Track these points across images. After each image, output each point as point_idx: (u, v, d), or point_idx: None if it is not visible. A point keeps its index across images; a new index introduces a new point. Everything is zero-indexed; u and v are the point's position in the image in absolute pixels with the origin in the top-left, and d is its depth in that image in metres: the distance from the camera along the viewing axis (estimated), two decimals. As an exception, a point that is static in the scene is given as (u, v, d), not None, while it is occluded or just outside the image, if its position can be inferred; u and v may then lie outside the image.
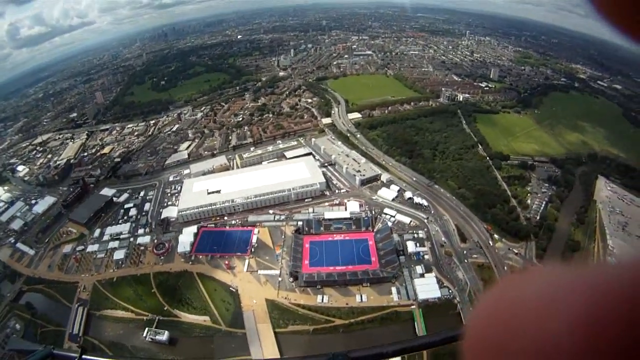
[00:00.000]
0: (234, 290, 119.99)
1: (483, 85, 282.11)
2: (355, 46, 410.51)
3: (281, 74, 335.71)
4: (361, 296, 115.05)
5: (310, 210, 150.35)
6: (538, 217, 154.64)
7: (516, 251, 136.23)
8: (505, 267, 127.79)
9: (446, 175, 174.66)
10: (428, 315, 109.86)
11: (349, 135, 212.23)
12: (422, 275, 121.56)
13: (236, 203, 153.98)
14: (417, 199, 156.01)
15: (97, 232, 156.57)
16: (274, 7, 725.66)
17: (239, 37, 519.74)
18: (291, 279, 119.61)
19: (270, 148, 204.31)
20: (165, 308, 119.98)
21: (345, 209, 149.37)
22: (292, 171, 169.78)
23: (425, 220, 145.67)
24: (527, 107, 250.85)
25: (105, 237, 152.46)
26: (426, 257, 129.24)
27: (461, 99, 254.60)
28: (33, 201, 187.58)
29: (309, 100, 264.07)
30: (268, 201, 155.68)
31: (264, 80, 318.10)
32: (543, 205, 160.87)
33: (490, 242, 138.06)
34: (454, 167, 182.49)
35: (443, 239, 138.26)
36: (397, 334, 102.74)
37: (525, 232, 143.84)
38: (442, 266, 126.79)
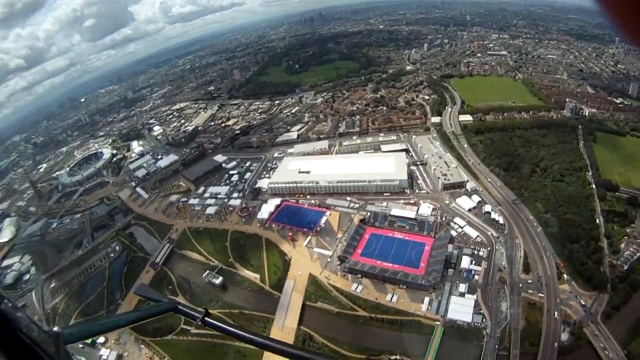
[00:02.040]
0: (287, 259, 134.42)
1: (617, 102, 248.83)
2: (491, 45, 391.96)
3: (408, 67, 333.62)
4: (393, 296, 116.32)
5: (385, 204, 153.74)
6: (625, 267, 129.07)
7: (583, 301, 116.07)
8: (557, 314, 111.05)
9: (537, 196, 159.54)
10: (450, 336, 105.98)
11: (452, 137, 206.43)
12: (462, 295, 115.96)
13: (319, 185, 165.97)
14: (494, 215, 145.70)
15: (201, 190, 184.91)
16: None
17: (380, 26, 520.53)
18: (338, 262, 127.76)
19: (369, 139, 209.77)
20: (230, 260, 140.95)
21: (417, 210, 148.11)
22: (379, 164, 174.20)
23: (494, 239, 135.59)
24: None
25: (206, 195, 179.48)
26: (476, 277, 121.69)
27: (586, 114, 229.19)
28: (159, 157, 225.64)
29: (426, 97, 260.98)
30: (348, 188, 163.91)
31: (390, 72, 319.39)
32: (638, 255, 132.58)
33: (556, 282, 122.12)
34: (549, 188, 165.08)
35: (504, 263, 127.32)
36: (407, 344, 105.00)
37: (601, 280, 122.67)
38: (488, 291, 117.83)
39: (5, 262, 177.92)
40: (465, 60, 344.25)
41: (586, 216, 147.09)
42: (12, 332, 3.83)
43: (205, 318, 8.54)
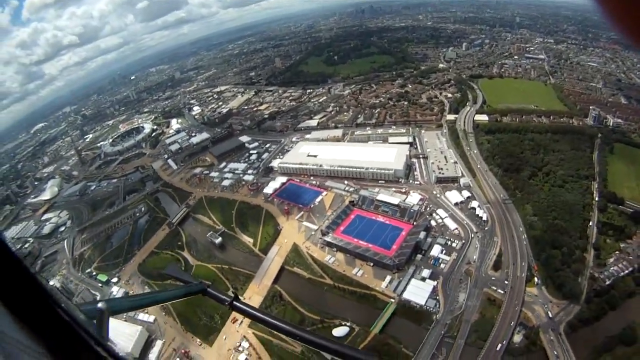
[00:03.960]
0: (278, 229, 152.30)
1: None
2: (532, 48, 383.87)
3: (441, 65, 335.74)
4: (359, 271, 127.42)
5: (376, 190, 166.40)
6: (608, 282, 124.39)
7: (548, 308, 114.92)
8: (516, 315, 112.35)
9: (529, 198, 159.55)
10: (401, 314, 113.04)
11: (462, 134, 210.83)
12: (423, 279, 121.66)
13: (322, 168, 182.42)
14: (479, 211, 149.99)
15: (222, 165, 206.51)
16: None
17: (428, 23, 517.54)
18: (320, 236, 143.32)
19: (380, 131, 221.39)
20: (232, 225, 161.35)
21: (405, 198, 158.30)
22: (381, 154, 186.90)
23: (472, 234, 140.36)
24: None
25: (226, 170, 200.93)
26: (443, 265, 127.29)
27: (611, 124, 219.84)
28: (193, 134, 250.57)
29: (449, 95, 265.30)
30: (347, 173, 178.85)
31: (421, 69, 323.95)
32: (625, 272, 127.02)
33: (523, 283, 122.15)
34: (545, 192, 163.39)
35: (475, 257, 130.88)
36: (360, 314, 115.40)
37: (573, 290, 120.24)
38: (450, 281, 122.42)
39: (45, 216, 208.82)
40: (499, 62, 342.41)
41: (577, 225, 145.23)
42: (50, 306, 3.68)
43: (234, 302, 8.74)
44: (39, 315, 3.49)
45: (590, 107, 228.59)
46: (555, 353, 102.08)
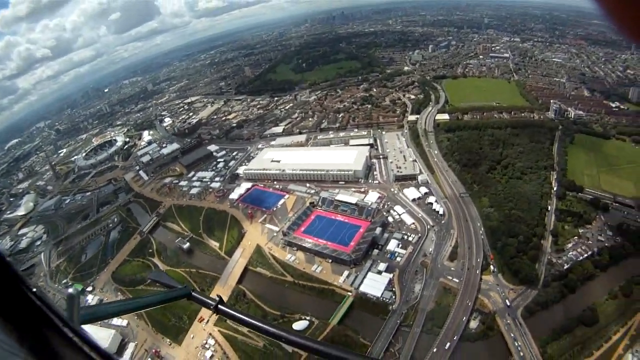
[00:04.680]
0: (243, 232, 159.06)
1: (613, 105, 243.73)
2: (497, 47, 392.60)
3: (406, 68, 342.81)
4: (318, 267, 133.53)
5: (337, 191, 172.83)
6: (566, 267, 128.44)
7: (505, 294, 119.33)
8: (471, 301, 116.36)
9: (486, 191, 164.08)
10: (358, 306, 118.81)
11: (422, 134, 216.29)
12: (379, 273, 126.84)
13: (285, 173, 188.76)
14: (436, 206, 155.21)
15: (191, 174, 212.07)
16: (452, 0, 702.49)
17: (397, 27, 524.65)
18: (281, 237, 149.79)
19: (342, 134, 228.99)
20: (200, 231, 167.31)
21: (364, 198, 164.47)
22: (341, 156, 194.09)
23: (428, 228, 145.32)
24: None
25: (194, 178, 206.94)
26: (399, 259, 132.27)
27: (572, 116, 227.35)
28: (164, 145, 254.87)
29: (412, 97, 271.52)
30: (308, 176, 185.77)
31: (387, 73, 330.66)
32: (584, 256, 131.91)
33: (478, 272, 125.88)
34: (502, 184, 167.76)
35: (431, 249, 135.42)
36: (319, 308, 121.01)
37: (529, 276, 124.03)
38: (406, 273, 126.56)
39: (22, 231, 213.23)
40: (464, 62, 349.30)
41: (534, 214, 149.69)
42: (21, 291, 3.70)
43: (219, 306, 8.75)
44: (9, 299, 3.58)
45: (552, 101, 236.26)
46: (513, 336, 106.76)
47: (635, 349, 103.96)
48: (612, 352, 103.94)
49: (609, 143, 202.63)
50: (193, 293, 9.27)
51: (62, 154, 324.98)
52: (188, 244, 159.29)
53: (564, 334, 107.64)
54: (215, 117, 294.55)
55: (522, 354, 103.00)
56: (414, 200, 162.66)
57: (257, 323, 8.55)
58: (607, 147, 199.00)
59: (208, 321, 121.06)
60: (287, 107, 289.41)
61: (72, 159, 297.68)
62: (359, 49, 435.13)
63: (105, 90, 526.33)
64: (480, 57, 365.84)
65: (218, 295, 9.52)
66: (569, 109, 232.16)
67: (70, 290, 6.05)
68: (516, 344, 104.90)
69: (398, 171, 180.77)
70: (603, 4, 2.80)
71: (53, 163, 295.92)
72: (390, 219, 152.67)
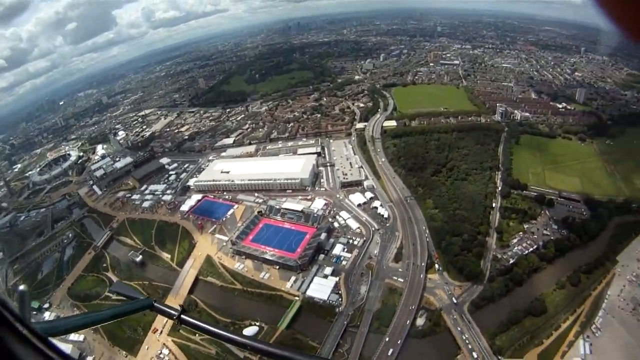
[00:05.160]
0: (193, 243, 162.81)
1: (560, 106, 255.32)
2: (448, 55, 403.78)
3: (357, 77, 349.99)
4: (266, 274, 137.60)
5: (284, 199, 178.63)
6: (511, 262, 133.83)
7: (450, 291, 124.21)
8: (417, 300, 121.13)
9: (431, 193, 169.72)
10: (306, 309, 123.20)
11: (370, 141, 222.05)
12: (325, 276, 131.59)
13: (234, 183, 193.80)
14: (381, 210, 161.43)
15: (144, 187, 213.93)
16: (406, 9, 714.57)
17: (351, 37, 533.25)
18: (230, 246, 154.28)
19: (290, 144, 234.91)
20: (152, 243, 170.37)
21: (310, 205, 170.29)
22: (288, 165, 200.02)
23: (373, 231, 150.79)
24: (599, 136, 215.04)
25: (146, 191, 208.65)
26: (344, 262, 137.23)
27: (518, 118, 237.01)
28: (117, 159, 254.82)
29: (361, 105, 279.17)
30: (257, 186, 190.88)
31: (338, 82, 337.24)
32: (530, 250, 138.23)
33: (423, 271, 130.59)
34: (447, 186, 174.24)
35: (376, 252, 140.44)
36: (268, 314, 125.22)
37: (473, 272, 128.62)
38: (352, 275, 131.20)
39: None
40: (414, 70, 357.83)
41: (479, 212, 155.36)
42: None
43: (182, 316, 8.59)
44: None
45: (498, 105, 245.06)
46: (460, 330, 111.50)
47: (587, 334, 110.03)
48: (562, 339, 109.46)
49: (555, 142, 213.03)
50: (155, 304, 9.06)
51: (16, 170, 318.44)
52: (141, 257, 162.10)
53: (512, 325, 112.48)
54: (168, 129, 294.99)
55: (470, 347, 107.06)
56: (359, 205, 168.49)
57: (221, 332, 8.57)
58: (553, 146, 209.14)
59: (162, 332, 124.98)
60: (238, 119, 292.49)
61: (27, 174, 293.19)
62: (312, 59, 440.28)
63: (61, 103, 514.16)
64: (431, 64, 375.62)
65: (180, 305, 9.57)
66: (516, 111, 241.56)
67: (21, 287, 6.13)
68: (464, 338, 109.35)
69: (344, 178, 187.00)
70: (603, 4, 3.02)
71: (7, 179, 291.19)
72: (336, 224, 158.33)
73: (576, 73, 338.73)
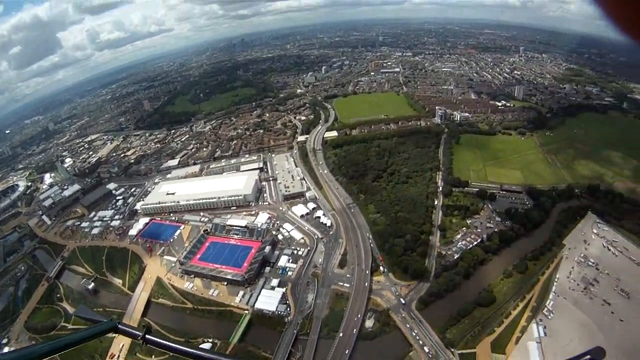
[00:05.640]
0: (143, 266, 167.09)
1: (499, 104, 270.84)
2: (389, 63, 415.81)
3: (299, 91, 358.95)
4: (215, 291, 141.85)
5: (229, 216, 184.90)
6: (456, 257, 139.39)
7: (397, 291, 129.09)
8: (364, 303, 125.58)
9: (373, 199, 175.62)
10: (256, 322, 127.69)
11: (311, 152, 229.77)
12: (273, 288, 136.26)
13: (179, 204, 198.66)
14: (324, 219, 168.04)
15: (92, 214, 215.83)
16: (349, 21, 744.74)
17: (294, 51, 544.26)
18: (179, 266, 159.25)
19: (233, 161, 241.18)
20: (103, 270, 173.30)
21: (255, 219, 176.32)
22: (232, 182, 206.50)
23: (317, 240, 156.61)
24: (539, 129, 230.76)
25: (95, 218, 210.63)
26: (290, 273, 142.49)
27: (458, 119, 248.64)
28: (65, 187, 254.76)
29: (303, 118, 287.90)
30: (202, 205, 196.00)
31: (280, 97, 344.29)
32: (474, 244, 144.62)
33: (368, 274, 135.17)
34: (388, 191, 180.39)
35: (321, 260, 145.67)
36: (219, 330, 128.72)
37: (418, 271, 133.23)
38: (299, 285, 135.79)
39: None
40: (355, 80, 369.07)
41: (420, 213, 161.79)
42: None
43: (147, 336, 8.57)
44: None
45: (437, 108, 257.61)
46: (409, 326, 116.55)
47: (539, 318, 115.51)
48: (515, 326, 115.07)
49: (495, 138, 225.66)
50: (120, 325, 8.91)
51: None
52: (93, 284, 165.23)
53: (462, 318, 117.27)
54: (114, 154, 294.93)
55: (421, 342, 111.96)
56: (302, 216, 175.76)
57: (188, 350, 8.36)
58: (493, 143, 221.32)
59: (119, 356, 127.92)
60: (183, 139, 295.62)
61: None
62: (255, 75, 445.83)
63: (7, 132, 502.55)
64: (372, 73, 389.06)
65: (144, 325, 9.70)
66: (455, 112, 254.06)
67: None
68: (414, 335, 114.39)
69: (286, 190, 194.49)
70: (603, 5, 3.03)
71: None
72: (280, 236, 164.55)
73: (515, 72, 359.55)
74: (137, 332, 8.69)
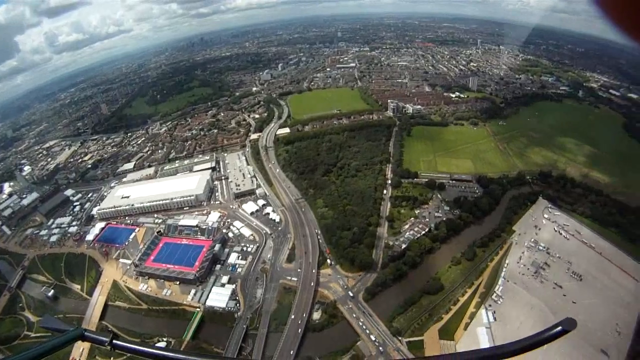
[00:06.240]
0: (100, 270, 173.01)
1: (453, 96, 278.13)
2: (345, 58, 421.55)
3: (254, 89, 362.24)
4: (167, 291, 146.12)
5: (182, 216, 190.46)
6: (404, 247, 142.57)
7: (344, 282, 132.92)
8: (311, 295, 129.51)
9: (322, 193, 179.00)
10: (208, 319, 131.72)
11: (263, 150, 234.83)
12: (223, 285, 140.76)
13: (134, 207, 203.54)
14: (273, 215, 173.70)
15: (50, 221, 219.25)
16: (309, 17, 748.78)
17: (252, 49, 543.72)
18: (134, 268, 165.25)
19: (186, 162, 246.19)
20: (62, 276, 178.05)
21: (206, 219, 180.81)
22: (184, 184, 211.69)
23: (266, 236, 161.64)
24: (493, 118, 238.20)
25: (53, 226, 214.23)
26: (239, 269, 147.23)
27: (410, 111, 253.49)
28: (24, 196, 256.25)
29: (257, 116, 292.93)
30: (156, 207, 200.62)
31: (236, 95, 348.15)
32: (422, 234, 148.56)
33: (316, 267, 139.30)
34: (337, 185, 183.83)
35: (269, 256, 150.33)
36: (173, 328, 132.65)
37: (364, 262, 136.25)
38: (248, 281, 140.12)
39: None
40: (311, 76, 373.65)
41: (369, 205, 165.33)
42: None
43: (114, 341, 8.38)
44: None
45: (389, 101, 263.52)
46: (355, 317, 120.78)
47: (488, 304, 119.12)
48: (463, 312, 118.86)
49: (447, 129, 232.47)
50: (86, 333, 8.47)
51: None
52: (52, 291, 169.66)
53: (409, 306, 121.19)
54: (72, 160, 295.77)
55: (368, 332, 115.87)
56: (252, 213, 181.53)
57: (157, 352, 8.21)
58: (445, 134, 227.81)
59: None
60: (139, 142, 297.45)
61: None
62: (212, 74, 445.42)
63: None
64: (328, 69, 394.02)
65: (110, 331, 8.68)
66: (407, 105, 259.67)
67: None
68: (361, 324, 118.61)
69: (237, 189, 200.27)
70: (603, 5, 3.08)
71: None
72: (230, 234, 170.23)
73: (471, 64, 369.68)
74: (104, 338, 8.53)
